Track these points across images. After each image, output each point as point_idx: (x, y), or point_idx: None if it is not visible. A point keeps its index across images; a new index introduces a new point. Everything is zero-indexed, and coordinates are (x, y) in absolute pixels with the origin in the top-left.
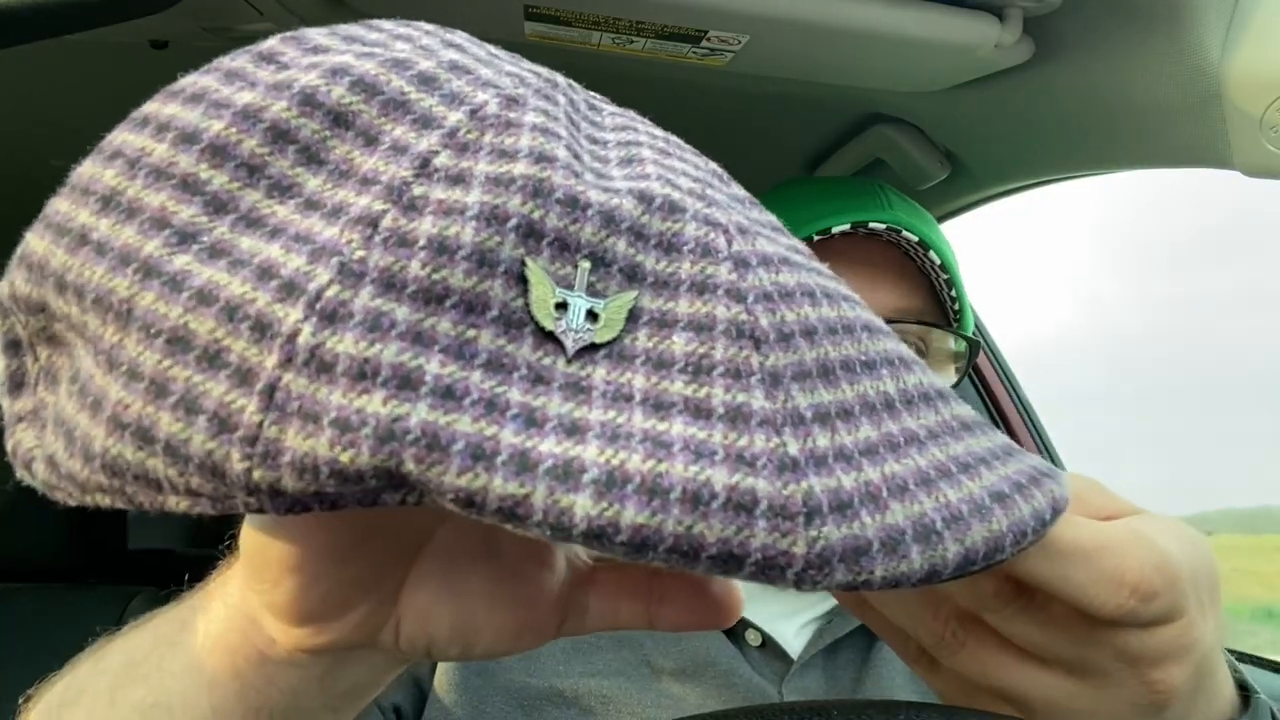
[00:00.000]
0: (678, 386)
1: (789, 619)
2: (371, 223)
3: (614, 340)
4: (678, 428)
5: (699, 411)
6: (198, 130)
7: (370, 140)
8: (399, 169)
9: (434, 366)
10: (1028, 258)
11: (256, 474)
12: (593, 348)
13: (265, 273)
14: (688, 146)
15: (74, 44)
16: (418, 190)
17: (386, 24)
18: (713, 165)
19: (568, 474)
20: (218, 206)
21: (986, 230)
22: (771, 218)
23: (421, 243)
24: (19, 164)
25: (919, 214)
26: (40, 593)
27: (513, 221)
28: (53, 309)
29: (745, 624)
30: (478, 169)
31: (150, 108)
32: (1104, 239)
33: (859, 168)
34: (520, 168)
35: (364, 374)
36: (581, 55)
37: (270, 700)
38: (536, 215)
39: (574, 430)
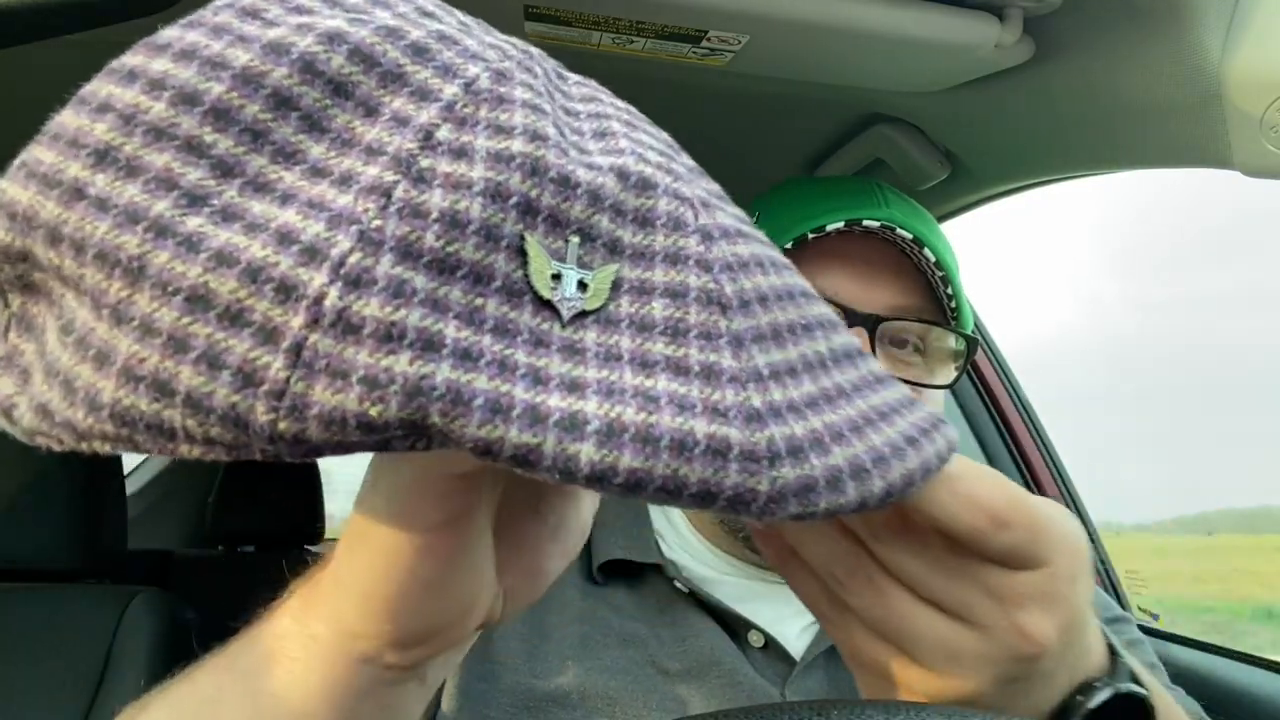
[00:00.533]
0: (659, 347)
1: (791, 620)
2: (385, 193)
3: (601, 307)
4: (662, 383)
5: (678, 369)
6: (198, 91)
7: (370, 111)
8: (404, 140)
9: (451, 331)
10: (1028, 258)
11: (282, 425)
12: (583, 314)
13: (285, 237)
14: (643, 116)
15: (74, 44)
16: (425, 162)
17: None
18: (665, 135)
19: (573, 425)
20: (224, 170)
21: (986, 230)
22: (717, 187)
23: (435, 215)
24: None
25: (916, 212)
26: (40, 593)
27: (514, 199)
28: (39, 259)
29: (748, 625)
30: (478, 144)
31: (135, 60)
32: (1104, 239)
33: (859, 168)
34: (518, 145)
35: (391, 336)
36: (581, 55)
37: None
38: (534, 194)
39: (575, 387)
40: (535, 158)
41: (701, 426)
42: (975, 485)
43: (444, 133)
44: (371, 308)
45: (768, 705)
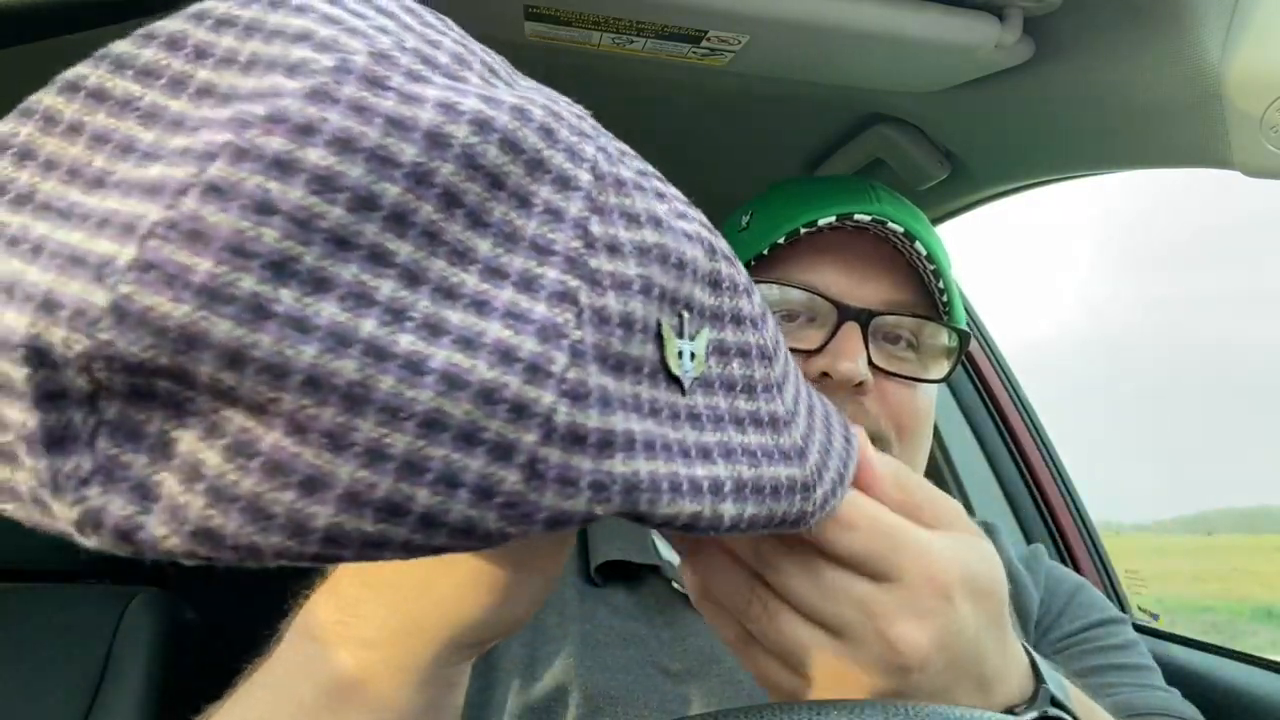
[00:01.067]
0: (743, 404)
1: None
2: (573, 300)
3: (702, 372)
4: (754, 437)
5: (758, 422)
6: (373, 194)
7: (522, 202)
8: (568, 238)
9: (635, 425)
10: (1029, 258)
11: (510, 530)
12: (693, 380)
13: (506, 355)
14: None
15: (74, 44)
16: (594, 263)
17: (443, 41)
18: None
19: (717, 489)
20: (411, 279)
21: (988, 230)
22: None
23: (616, 320)
24: None
25: (906, 208)
26: (40, 593)
27: (657, 291)
28: (198, 378)
29: None
30: (622, 237)
31: (274, 144)
32: (1105, 239)
33: (859, 168)
34: (649, 235)
35: (608, 442)
36: (581, 55)
37: (448, 707)
38: (668, 282)
39: (707, 454)
40: (661, 245)
41: (783, 470)
42: None
43: (596, 227)
44: (592, 419)
45: (767, 705)
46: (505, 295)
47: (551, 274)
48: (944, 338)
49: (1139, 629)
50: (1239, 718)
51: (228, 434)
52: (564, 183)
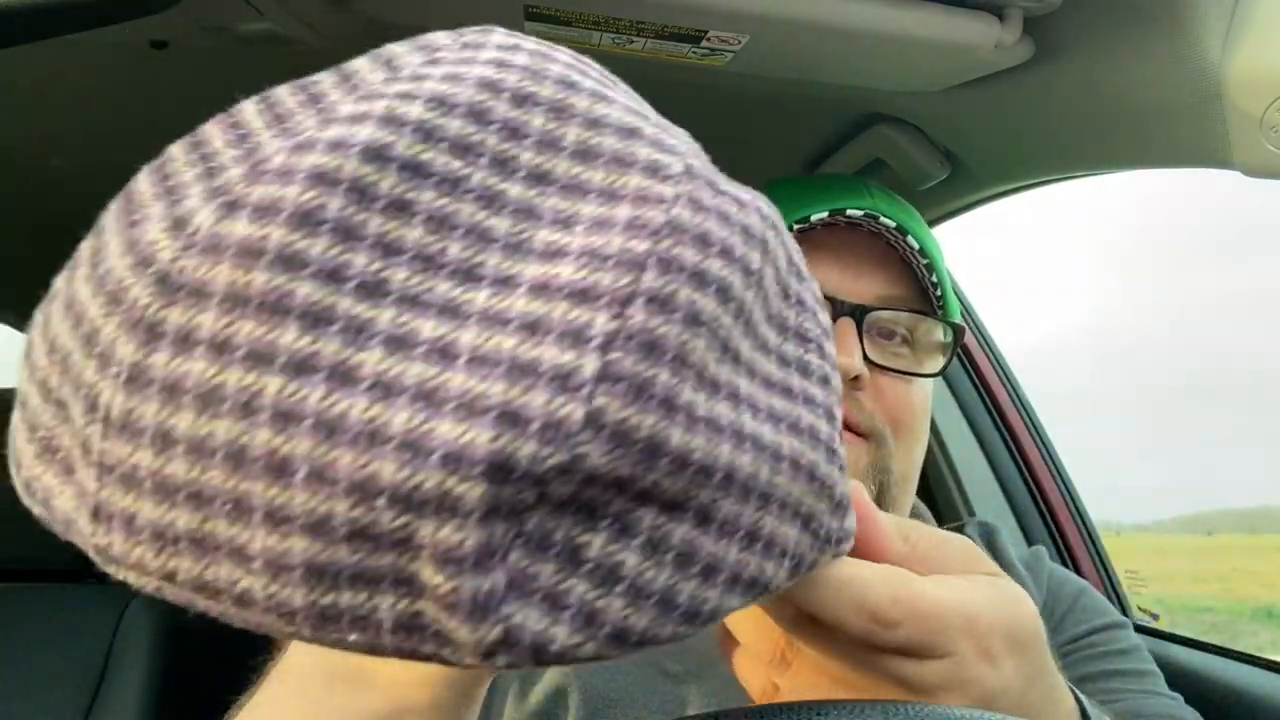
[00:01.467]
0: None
1: None
2: (828, 382)
3: None
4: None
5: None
6: (744, 301)
7: (785, 291)
8: (814, 325)
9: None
10: (1030, 258)
11: (788, 583)
12: None
13: (815, 438)
14: None
15: (74, 44)
16: (828, 347)
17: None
18: None
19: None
20: (750, 373)
21: (991, 229)
22: None
23: (840, 397)
24: (19, 164)
25: (898, 203)
26: (40, 593)
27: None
28: (635, 482)
29: None
30: (825, 321)
31: (691, 255)
32: (1106, 239)
33: (859, 168)
34: (825, 319)
35: (847, 501)
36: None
37: (472, 713)
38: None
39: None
40: (828, 326)
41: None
42: (864, 592)
43: (822, 314)
44: (845, 483)
45: (767, 706)
46: (797, 381)
47: (815, 360)
48: (939, 333)
49: (1139, 629)
50: (1239, 718)
51: (641, 532)
52: (798, 271)
